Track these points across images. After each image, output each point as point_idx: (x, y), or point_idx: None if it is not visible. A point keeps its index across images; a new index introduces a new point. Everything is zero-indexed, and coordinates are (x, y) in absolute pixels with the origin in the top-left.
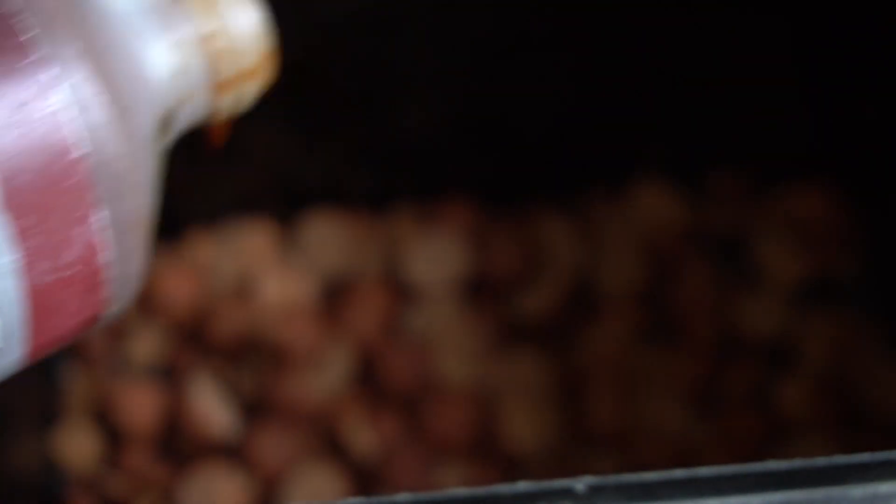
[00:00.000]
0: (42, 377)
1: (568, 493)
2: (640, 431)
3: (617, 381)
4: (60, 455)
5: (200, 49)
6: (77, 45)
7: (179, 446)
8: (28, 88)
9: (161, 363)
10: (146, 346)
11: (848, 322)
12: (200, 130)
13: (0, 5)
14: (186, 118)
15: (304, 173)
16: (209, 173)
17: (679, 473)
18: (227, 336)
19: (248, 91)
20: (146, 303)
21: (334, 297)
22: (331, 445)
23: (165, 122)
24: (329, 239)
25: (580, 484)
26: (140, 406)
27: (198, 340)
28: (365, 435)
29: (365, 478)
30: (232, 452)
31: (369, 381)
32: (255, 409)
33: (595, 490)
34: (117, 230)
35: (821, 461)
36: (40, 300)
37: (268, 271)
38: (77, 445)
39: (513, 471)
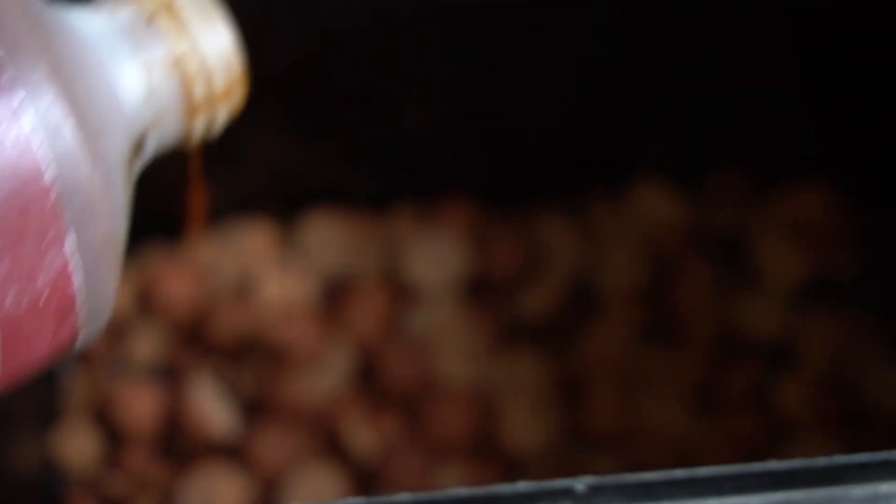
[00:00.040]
0: (42, 377)
1: (568, 493)
2: (640, 431)
3: (617, 382)
4: (60, 455)
5: (172, 71)
6: (43, 68)
7: (179, 446)
8: None
9: (161, 363)
10: (146, 346)
11: (848, 322)
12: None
13: None
14: (158, 141)
15: (304, 173)
16: (209, 173)
17: (679, 473)
18: (228, 336)
19: (221, 113)
20: (146, 303)
21: (334, 297)
22: (331, 445)
23: (137, 144)
24: (329, 239)
25: (580, 484)
26: (140, 406)
27: (198, 340)
28: (365, 435)
29: (365, 478)
30: (232, 452)
31: (369, 381)
32: (255, 410)
33: (595, 490)
34: (88, 255)
35: (821, 461)
36: (9, 327)
37: (268, 271)
38: (77, 445)
39: (513, 471)
